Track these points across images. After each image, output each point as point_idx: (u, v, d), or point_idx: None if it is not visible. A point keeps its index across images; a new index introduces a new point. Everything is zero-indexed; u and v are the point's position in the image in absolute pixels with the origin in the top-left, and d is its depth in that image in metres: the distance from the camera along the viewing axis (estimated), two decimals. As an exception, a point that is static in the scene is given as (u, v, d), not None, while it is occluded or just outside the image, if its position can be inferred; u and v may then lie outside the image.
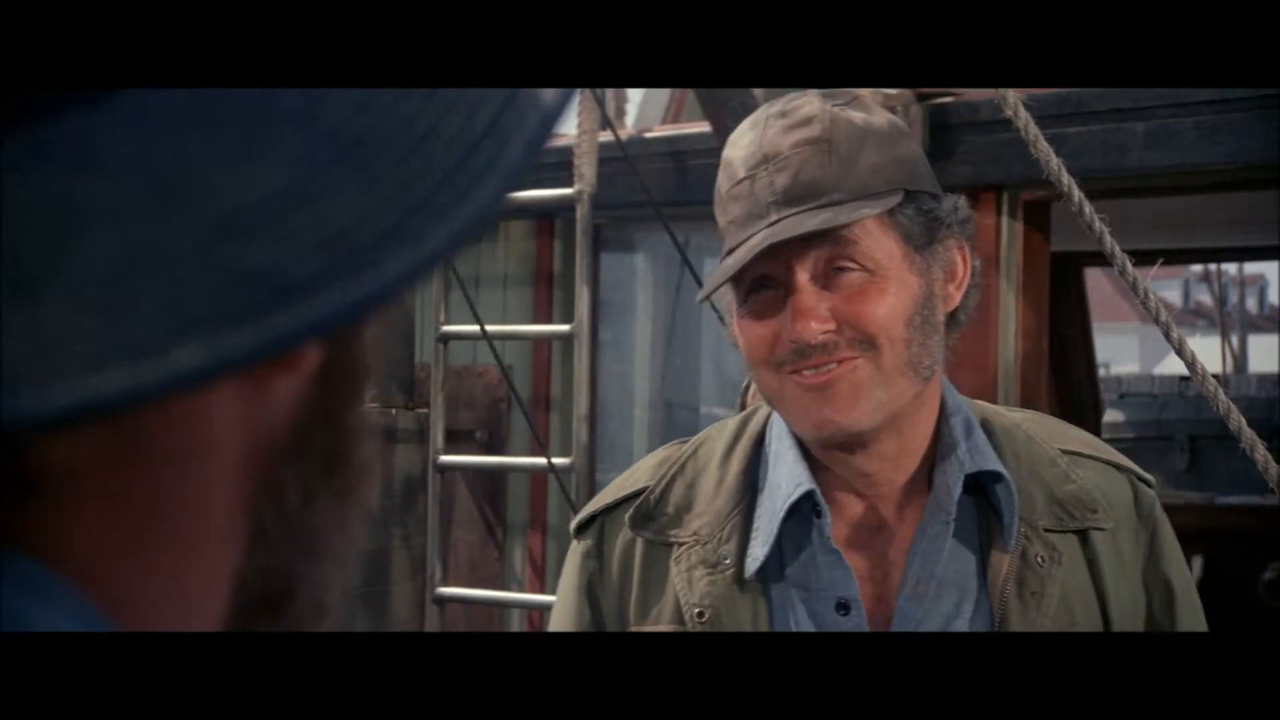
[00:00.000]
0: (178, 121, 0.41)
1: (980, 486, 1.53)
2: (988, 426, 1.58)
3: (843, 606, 1.51)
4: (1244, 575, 7.05)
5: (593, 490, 4.65)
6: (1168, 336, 2.51)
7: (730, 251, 1.49)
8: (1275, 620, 6.55)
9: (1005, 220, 3.90)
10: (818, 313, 1.47)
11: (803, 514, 1.52)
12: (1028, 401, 3.94)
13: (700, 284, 4.28)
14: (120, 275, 0.39)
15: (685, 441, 1.66)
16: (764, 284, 1.50)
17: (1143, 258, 2.61)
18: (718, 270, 1.52)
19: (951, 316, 1.55)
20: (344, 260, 0.41)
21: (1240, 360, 13.57)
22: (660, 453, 1.66)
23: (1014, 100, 2.58)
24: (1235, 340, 13.61)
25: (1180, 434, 8.20)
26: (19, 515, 0.43)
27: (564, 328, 4.29)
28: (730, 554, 1.53)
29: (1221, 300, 13.74)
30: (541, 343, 4.76)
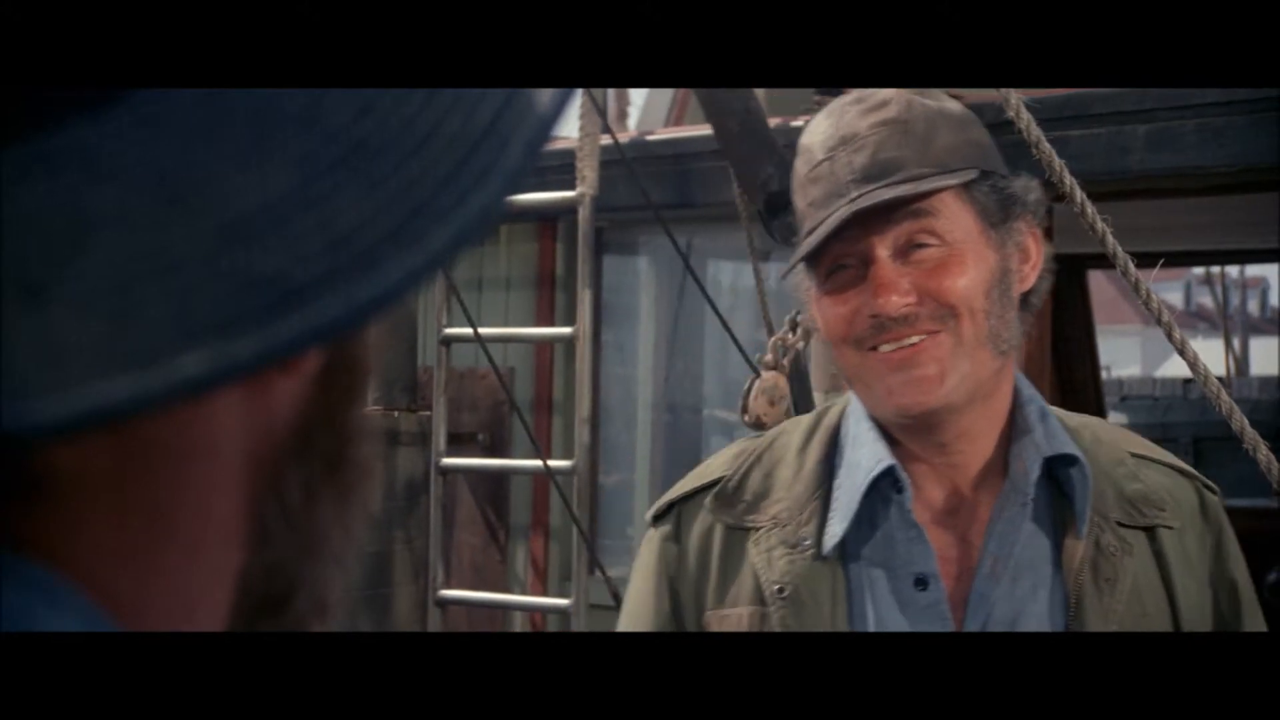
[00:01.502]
0: (182, 128, 0.41)
1: (1053, 474, 1.55)
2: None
3: (920, 582, 1.52)
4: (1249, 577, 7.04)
5: (595, 493, 4.66)
6: (1170, 338, 2.51)
7: (811, 231, 1.51)
8: None
9: (1008, 223, 3.90)
10: (899, 286, 1.49)
11: (881, 491, 1.54)
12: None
13: (702, 287, 4.27)
14: (127, 282, 0.39)
15: (759, 436, 1.69)
16: (842, 265, 1.53)
17: (1145, 260, 2.61)
18: (798, 248, 1.54)
19: (1024, 299, 1.57)
20: (347, 264, 0.41)
21: (1242, 363, 13.57)
22: (735, 446, 1.69)
23: (1016, 102, 2.57)
24: (1237, 343, 13.60)
25: (1184, 436, 8.20)
26: (23, 518, 0.43)
27: (566, 330, 4.29)
28: (810, 535, 1.55)
29: (1224, 303, 13.74)
30: (544, 345, 4.76)
